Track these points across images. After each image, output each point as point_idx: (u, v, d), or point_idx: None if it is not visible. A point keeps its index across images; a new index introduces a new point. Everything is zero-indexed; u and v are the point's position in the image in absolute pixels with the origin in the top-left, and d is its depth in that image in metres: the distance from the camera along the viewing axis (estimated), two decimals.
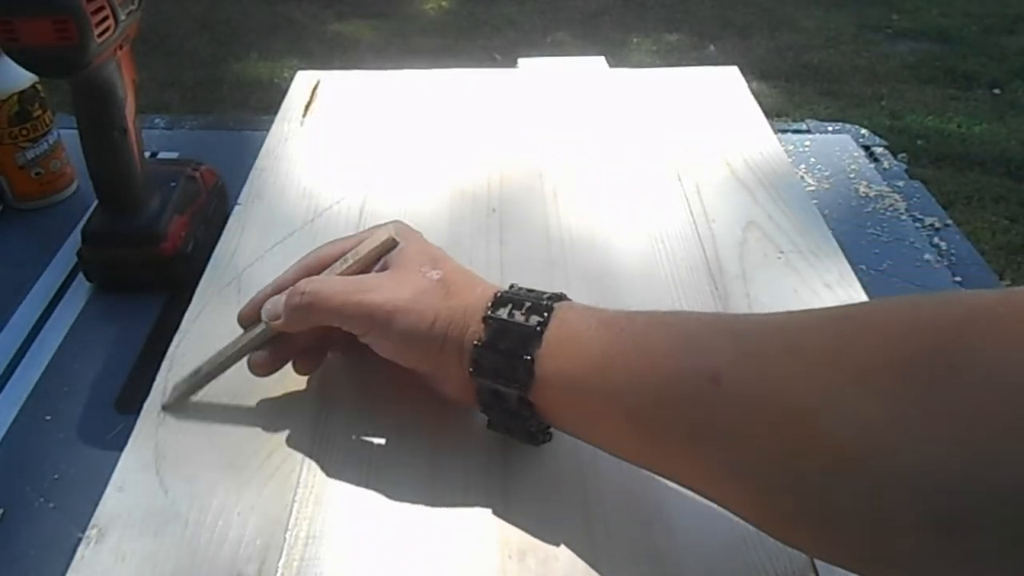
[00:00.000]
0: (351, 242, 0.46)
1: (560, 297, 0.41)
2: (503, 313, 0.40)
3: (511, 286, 0.43)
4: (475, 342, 0.40)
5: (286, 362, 0.46)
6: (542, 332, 0.39)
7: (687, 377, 0.35)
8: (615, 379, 0.37)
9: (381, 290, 0.42)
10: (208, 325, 0.52)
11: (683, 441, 0.35)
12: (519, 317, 0.40)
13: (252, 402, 0.47)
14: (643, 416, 0.36)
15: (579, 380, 0.38)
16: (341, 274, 0.44)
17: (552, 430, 0.43)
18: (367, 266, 0.44)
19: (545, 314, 0.39)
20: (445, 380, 0.42)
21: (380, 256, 0.44)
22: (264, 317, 0.44)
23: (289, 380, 0.48)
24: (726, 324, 0.37)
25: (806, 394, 0.31)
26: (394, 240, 0.44)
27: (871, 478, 0.29)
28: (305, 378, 0.48)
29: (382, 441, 0.44)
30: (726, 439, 0.34)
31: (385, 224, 0.46)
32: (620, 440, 0.39)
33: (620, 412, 0.37)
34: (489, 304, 0.41)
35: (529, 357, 0.38)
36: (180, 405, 0.46)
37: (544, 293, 0.42)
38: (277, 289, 0.45)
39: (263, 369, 0.45)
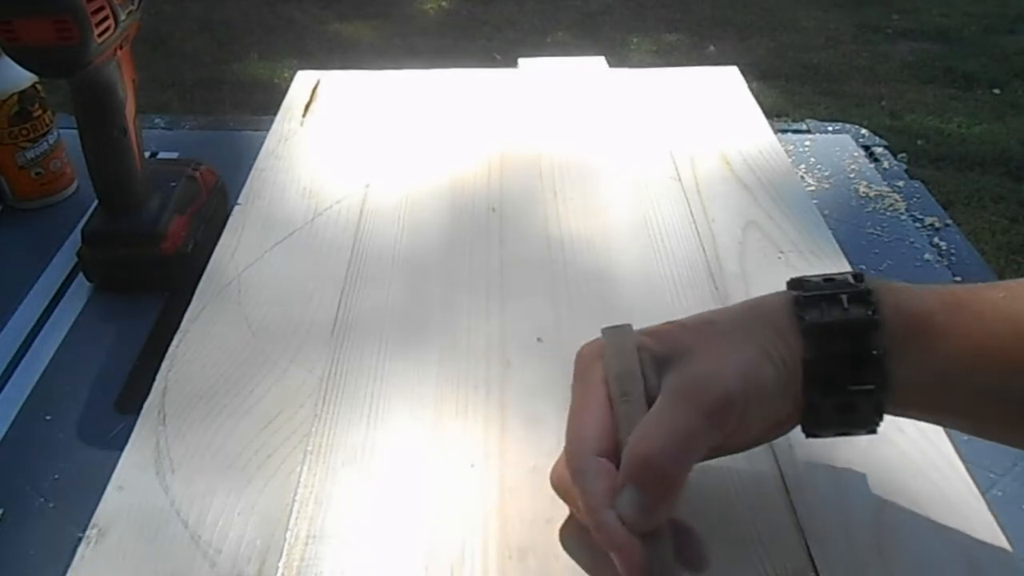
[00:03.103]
0: (596, 390, 0.35)
1: (860, 276, 0.35)
2: (817, 315, 0.34)
3: (795, 281, 0.36)
4: (803, 359, 0.34)
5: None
6: (879, 322, 0.33)
7: None
8: (995, 370, 0.32)
9: (721, 372, 0.33)
10: (208, 325, 0.52)
11: None
12: (839, 313, 0.34)
13: (252, 402, 0.46)
14: None
15: (943, 374, 0.33)
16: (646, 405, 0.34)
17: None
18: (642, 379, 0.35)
19: (872, 299, 0.34)
20: (789, 419, 0.35)
21: (639, 357, 0.35)
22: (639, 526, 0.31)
23: (289, 380, 0.48)
24: None
25: None
26: (630, 328, 0.36)
27: None
28: (304, 379, 0.48)
29: (382, 441, 0.44)
30: None
31: (589, 351, 0.37)
32: (1006, 432, 0.35)
33: (1007, 405, 0.33)
34: (794, 311, 0.34)
35: (877, 351, 0.33)
36: None
37: (843, 276, 0.35)
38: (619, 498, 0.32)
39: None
